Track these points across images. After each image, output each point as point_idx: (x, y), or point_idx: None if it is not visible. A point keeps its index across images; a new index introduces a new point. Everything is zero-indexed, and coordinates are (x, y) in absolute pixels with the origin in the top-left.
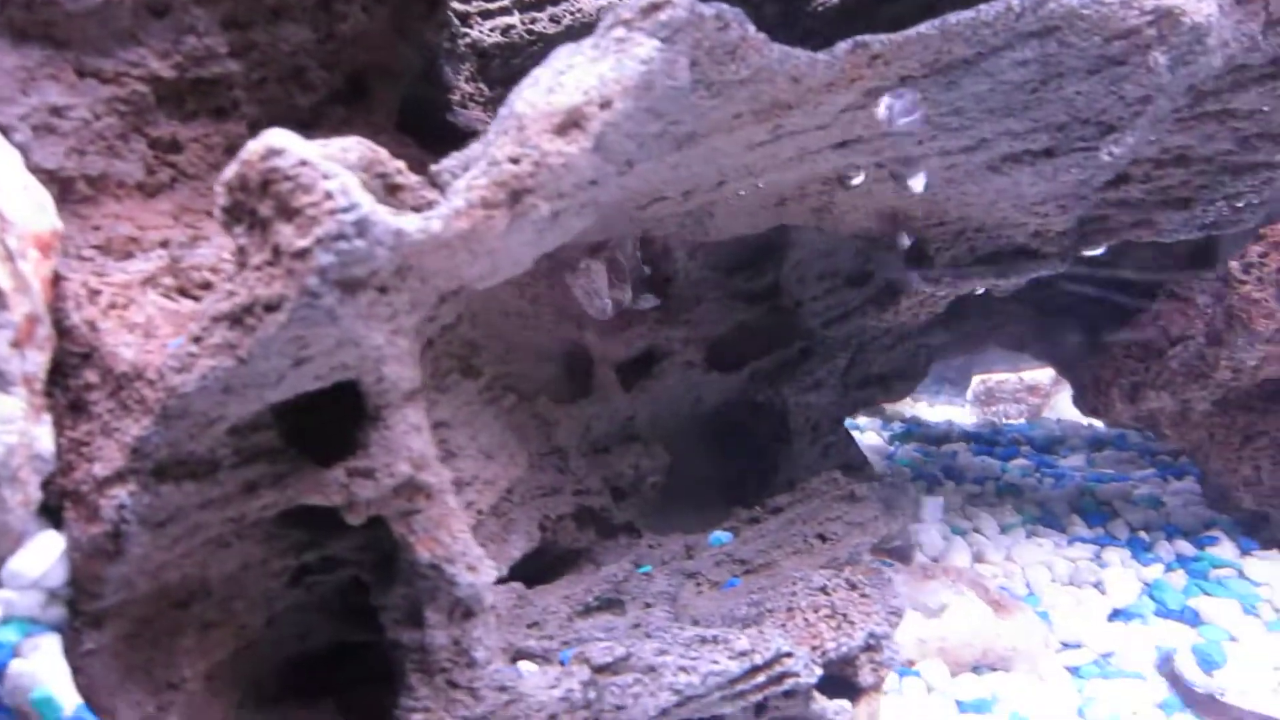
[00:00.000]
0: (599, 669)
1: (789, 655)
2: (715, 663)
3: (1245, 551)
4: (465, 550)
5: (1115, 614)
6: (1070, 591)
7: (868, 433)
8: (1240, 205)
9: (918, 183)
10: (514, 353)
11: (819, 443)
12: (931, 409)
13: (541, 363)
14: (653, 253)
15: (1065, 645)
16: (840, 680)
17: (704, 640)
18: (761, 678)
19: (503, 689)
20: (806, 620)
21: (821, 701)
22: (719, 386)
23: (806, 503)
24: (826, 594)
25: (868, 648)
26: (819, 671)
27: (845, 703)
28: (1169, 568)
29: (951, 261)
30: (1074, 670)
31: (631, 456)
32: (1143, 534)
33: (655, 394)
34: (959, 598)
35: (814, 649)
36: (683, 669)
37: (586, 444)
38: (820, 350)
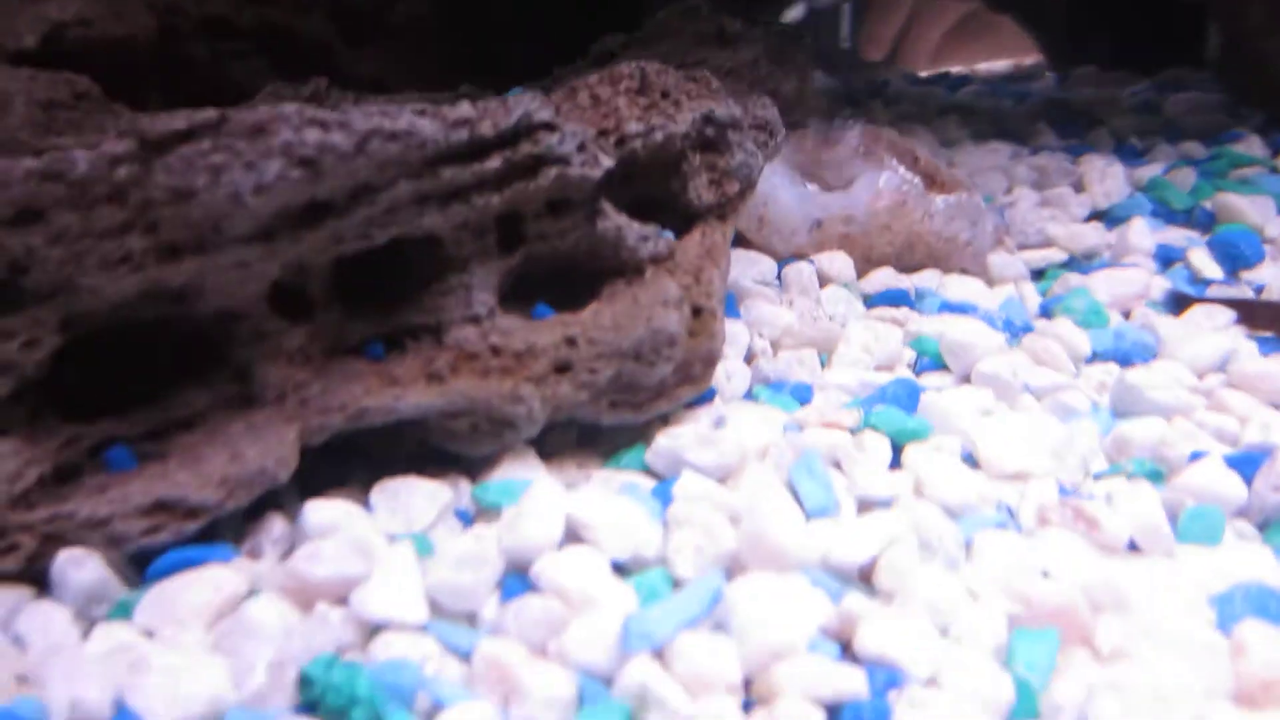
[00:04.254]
0: (158, 143)
1: (548, 128)
2: (393, 122)
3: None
4: None
5: (1096, 214)
6: (1036, 194)
7: None
8: None
9: None
10: None
11: None
12: None
13: None
14: None
15: (1025, 245)
16: (661, 203)
17: (410, 113)
18: (496, 161)
19: None
20: (595, 97)
21: (616, 218)
22: None
23: (652, 45)
24: (644, 75)
25: (703, 143)
26: (606, 163)
27: (664, 234)
28: (1172, 167)
29: None
30: (1037, 272)
31: None
32: (1134, 141)
33: None
34: (877, 168)
35: (604, 133)
36: (315, 123)
37: None
38: None
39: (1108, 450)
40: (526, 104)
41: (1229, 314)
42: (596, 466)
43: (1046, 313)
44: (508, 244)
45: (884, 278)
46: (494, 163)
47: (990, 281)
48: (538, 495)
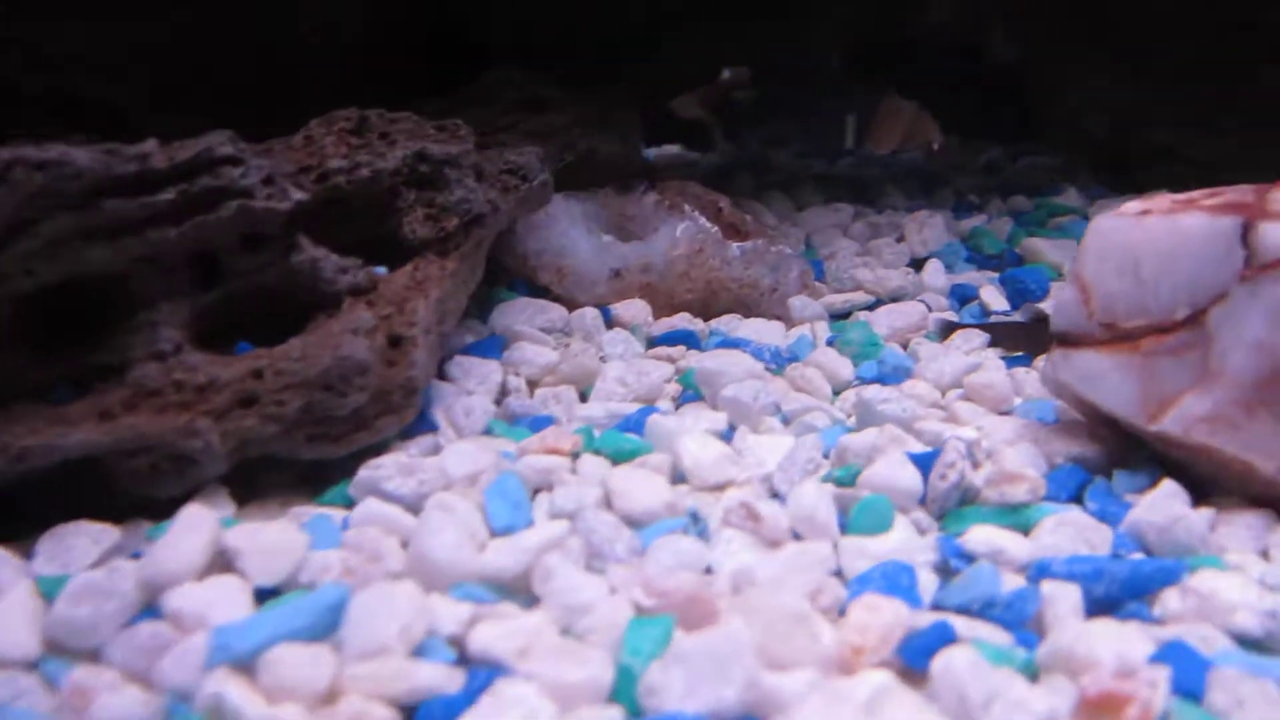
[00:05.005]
0: None
1: (232, 162)
2: (42, 152)
3: (1095, 199)
4: None
5: (915, 261)
6: (859, 244)
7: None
8: None
9: None
10: None
11: None
12: None
13: None
14: None
15: (840, 290)
16: (382, 240)
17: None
18: (169, 194)
19: None
20: (309, 138)
21: (312, 251)
22: None
23: (468, 109)
24: (363, 117)
25: (418, 179)
26: (296, 195)
27: (377, 269)
28: (994, 218)
29: None
30: (844, 314)
31: None
32: (972, 197)
33: None
34: (680, 220)
35: (305, 169)
36: None
37: None
38: None
39: (833, 461)
40: (210, 139)
41: (984, 336)
42: (303, 503)
43: (832, 346)
44: (203, 281)
45: (676, 321)
46: (167, 195)
47: (790, 324)
48: (184, 525)
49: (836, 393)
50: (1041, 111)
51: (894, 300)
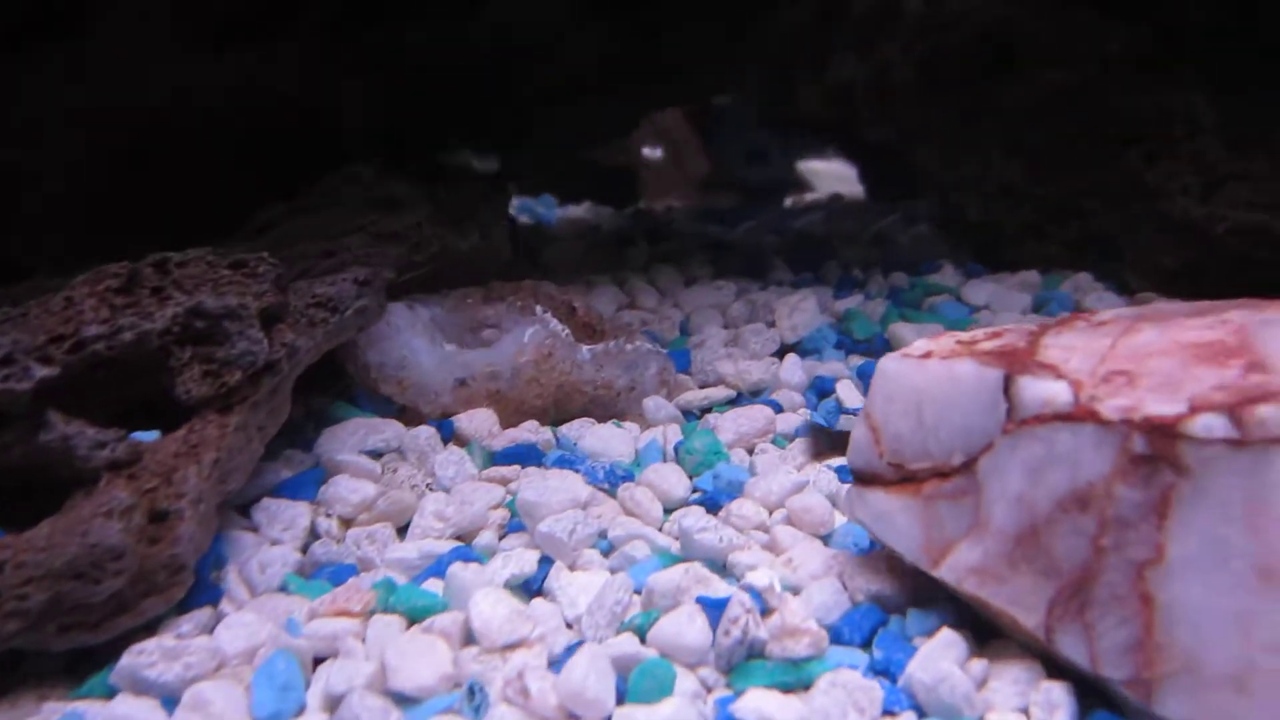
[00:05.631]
0: None
1: None
2: None
3: (970, 276)
4: None
5: (786, 348)
6: (734, 332)
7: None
8: None
9: None
10: None
11: None
12: None
13: None
14: None
15: (705, 383)
16: (157, 400)
17: None
18: None
19: None
20: (69, 299)
21: (63, 428)
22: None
23: (314, 213)
24: (134, 273)
25: (194, 336)
26: (40, 372)
27: (146, 436)
28: (868, 297)
29: None
30: (706, 410)
31: None
32: (857, 272)
33: None
34: (529, 323)
35: (58, 339)
36: None
37: None
38: None
39: (643, 601)
40: None
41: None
42: (61, 695)
43: (676, 454)
44: None
45: (517, 433)
46: None
47: (645, 425)
48: None
49: (670, 511)
50: (919, 186)
51: (755, 394)
